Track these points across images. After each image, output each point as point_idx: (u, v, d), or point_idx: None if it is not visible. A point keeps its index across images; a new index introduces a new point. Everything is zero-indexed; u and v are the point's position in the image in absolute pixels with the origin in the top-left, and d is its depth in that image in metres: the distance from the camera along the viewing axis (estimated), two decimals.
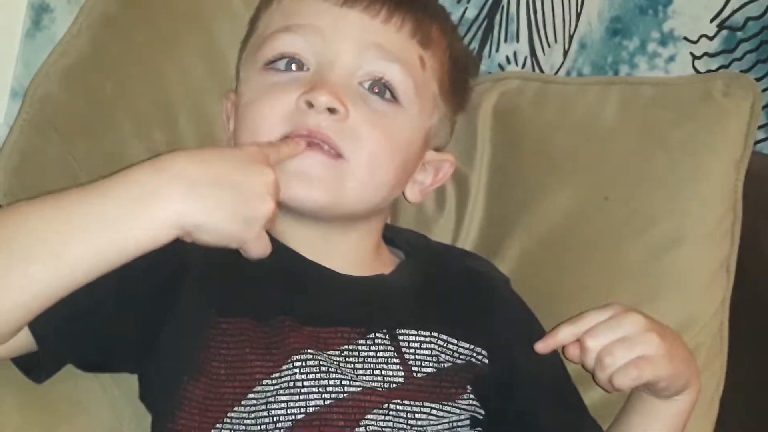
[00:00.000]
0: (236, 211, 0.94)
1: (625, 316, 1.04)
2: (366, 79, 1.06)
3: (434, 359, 1.04)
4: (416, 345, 1.04)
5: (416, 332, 1.04)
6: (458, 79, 1.16)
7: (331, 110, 1.02)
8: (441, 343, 1.05)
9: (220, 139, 1.20)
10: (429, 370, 1.04)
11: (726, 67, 1.43)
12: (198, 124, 1.21)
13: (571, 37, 1.44)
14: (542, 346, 1.05)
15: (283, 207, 1.02)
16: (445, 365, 1.05)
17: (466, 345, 1.07)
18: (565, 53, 1.44)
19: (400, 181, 1.11)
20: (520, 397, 1.08)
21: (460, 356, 1.06)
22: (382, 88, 1.06)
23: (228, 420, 0.98)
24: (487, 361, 1.07)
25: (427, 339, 1.05)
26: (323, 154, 1.02)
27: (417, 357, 1.03)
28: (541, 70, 1.44)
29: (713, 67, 1.42)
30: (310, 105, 1.02)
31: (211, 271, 1.03)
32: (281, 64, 1.07)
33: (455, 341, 1.06)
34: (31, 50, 1.35)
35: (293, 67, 1.06)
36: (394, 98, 1.07)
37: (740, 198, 1.22)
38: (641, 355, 1.02)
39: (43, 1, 1.35)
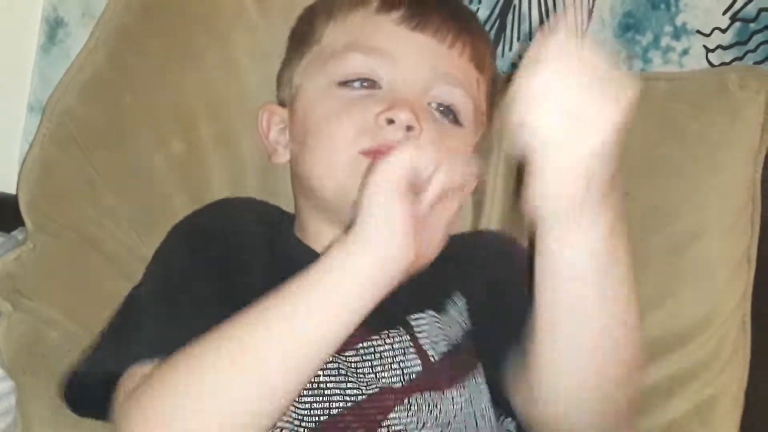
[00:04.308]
0: None
1: None
2: (434, 101, 1.09)
3: (446, 337, 1.06)
4: (427, 327, 1.06)
5: (425, 314, 1.06)
6: (495, 96, 1.20)
7: (409, 128, 1.04)
8: (446, 321, 1.07)
9: (239, 145, 1.22)
10: (444, 349, 1.05)
11: (740, 59, 1.42)
12: (217, 133, 1.23)
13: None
14: None
15: (329, 211, 1.06)
16: (457, 339, 1.07)
17: (461, 303, 1.09)
18: None
19: None
20: (492, 337, 1.08)
21: (462, 320, 1.08)
22: (446, 110, 1.10)
23: None
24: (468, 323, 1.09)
25: (435, 318, 1.07)
26: None
27: (432, 339, 1.05)
28: None
29: (727, 60, 1.41)
30: (391, 122, 1.04)
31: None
32: (356, 82, 1.09)
33: (457, 311, 1.08)
34: (47, 64, 1.37)
35: (365, 83, 1.09)
36: (456, 120, 1.11)
37: (759, 188, 1.22)
38: None
39: (57, 15, 1.36)
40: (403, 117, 1.04)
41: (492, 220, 1.29)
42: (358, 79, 1.09)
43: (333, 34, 1.13)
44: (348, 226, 0.92)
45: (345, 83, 1.09)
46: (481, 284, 1.10)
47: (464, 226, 1.29)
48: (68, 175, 1.19)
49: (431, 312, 1.07)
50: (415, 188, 0.88)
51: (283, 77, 1.18)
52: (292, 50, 1.18)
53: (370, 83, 1.08)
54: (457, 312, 1.09)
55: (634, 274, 1.17)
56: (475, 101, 1.12)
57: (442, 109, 1.10)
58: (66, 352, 1.09)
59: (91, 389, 0.99)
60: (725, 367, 1.19)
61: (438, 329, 1.06)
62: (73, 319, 1.14)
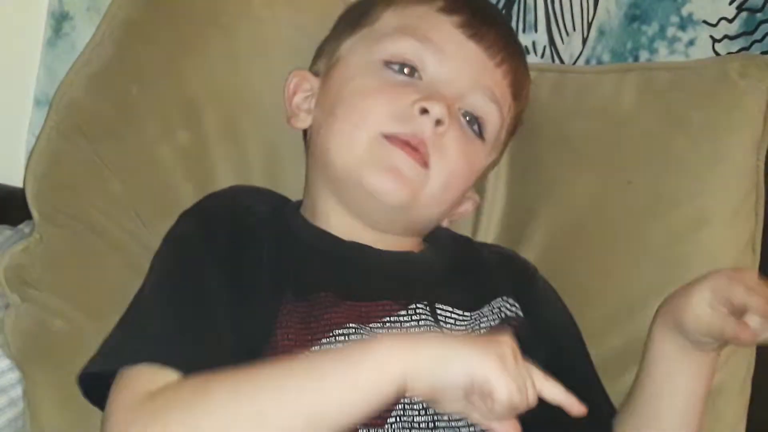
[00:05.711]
0: None
1: None
2: (466, 108, 1.11)
3: (469, 331, 1.07)
4: (452, 321, 1.07)
5: (452, 309, 1.08)
6: (516, 129, 1.21)
7: (439, 122, 1.06)
8: (476, 317, 1.08)
9: (244, 135, 1.23)
10: None
11: (747, 49, 1.42)
12: (222, 123, 1.23)
13: (589, 25, 1.43)
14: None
15: (338, 186, 1.08)
16: (481, 332, 1.07)
17: (499, 300, 1.10)
18: (584, 41, 1.44)
19: (456, 206, 1.16)
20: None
21: (493, 317, 1.09)
22: (473, 120, 1.12)
23: None
24: (521, 313, 1.11)
25: (461, 317, 1.08)
26: (416, 157, 1.06)
27: (454, 332, 1.06)
28: (561, 59, 1.44)
29: (734, 50, 1.41)
30: (424, 112, 1.06)
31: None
32: (397, 65, 1.11)
33: (488, 306, 1.10)
34: (53, 58, 1.37)
35: (406, 70, 1.11)
36: (480, 133, 1.12)
37: (762, 177, 1.22)
38: None
39: (63, 9, 1.36)
40: (437, 110, 1.06)
41: (495, 207, 1.30)
42: (403, 63, 1.10)
43: (389, 19, 1.15)
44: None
45: (389, 63, 1.10)
46: (535, 306, 1.13)
47: (464, 224, 1.30)
48: (75, 166, 1.20)
49: (458, 311, 1.08)
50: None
51: (324, 49, 1.19)
52: (342, 27, 1.19)
53: (411, 71, 1.10)
54: (489, 310, 1.10)
55: (637, 263, 1.21)
56: (502, 122, 1.14)
57: (468, 118, 1.11)
58: (74, 342, 1.10)
59: (100, 380, 0.99)
60: (731, 355, 1.18)
61: (462, 326, 1.07)
62: (80, 309, 1.14)
